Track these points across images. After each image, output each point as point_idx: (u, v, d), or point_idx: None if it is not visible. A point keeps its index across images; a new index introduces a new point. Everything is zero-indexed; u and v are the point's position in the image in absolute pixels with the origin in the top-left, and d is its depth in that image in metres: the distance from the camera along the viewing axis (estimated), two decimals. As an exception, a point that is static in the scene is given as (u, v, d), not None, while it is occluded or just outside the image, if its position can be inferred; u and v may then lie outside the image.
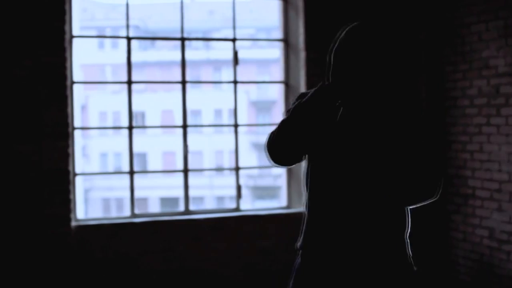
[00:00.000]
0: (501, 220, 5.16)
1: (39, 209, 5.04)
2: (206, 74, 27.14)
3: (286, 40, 5.82)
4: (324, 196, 2.29)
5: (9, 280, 4.98)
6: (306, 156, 2.37)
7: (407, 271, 2.32)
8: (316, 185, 2.31)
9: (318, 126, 2.22)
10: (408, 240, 2.35)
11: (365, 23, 2.25)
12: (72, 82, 5.26)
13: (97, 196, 25.70)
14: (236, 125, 5.74)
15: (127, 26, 5.51)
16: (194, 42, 29.38)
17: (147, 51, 28.19)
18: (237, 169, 5.72)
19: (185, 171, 5.61)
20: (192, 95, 26.68)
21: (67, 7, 5.16)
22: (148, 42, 28.22)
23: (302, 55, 5.62)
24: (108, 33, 27.59)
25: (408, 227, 2.33)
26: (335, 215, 2.26)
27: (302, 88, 5.61)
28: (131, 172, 5.48)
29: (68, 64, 5.18)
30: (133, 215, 5.44)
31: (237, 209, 5.67)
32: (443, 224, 5.77)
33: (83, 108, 25.40)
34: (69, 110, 5.17)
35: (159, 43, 27.45)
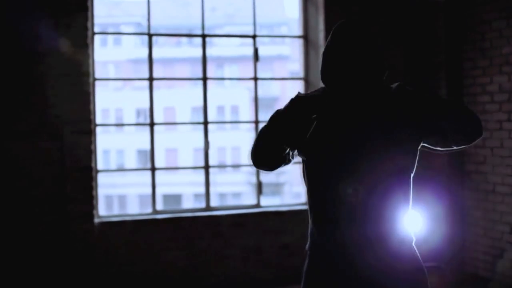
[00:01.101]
0: (523, 216, 5.18)
1: (63, 206, 5.05)
2: (209, 71, 27.08)
3: (306, 37, 5.83)
4: (323, 195, 2.29)
5: (34, 276, 5.00)
6: (294, 157, 2.43)
7: (414, 269, 2.31)
8: (314, 184, 2.32)
9: (294, 134, 2.31)
10: (413, 237, 2.35)
11: (344, 23, 2.35)
12: (95, 79, 5.27)
13: (99, 193, 25.67)
14: (256, 122, 5.75)
15: (148, 22, 5.51)
16: (194, 39, 29.36)
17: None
18: (257, 165, 5.73)
19: (207, 167, 5.62)
20: (195, 92, 26.71)
21: (89, 4, 5.17)
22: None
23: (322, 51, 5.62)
24: (110, 31, 27.54)
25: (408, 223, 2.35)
26: (337, 214, 2.26)
27: (322, 85, 5.61)
28: (153, 169, 5.49)
29: (90, 61, 5.19)
30: (155, 211, 5.46)
31: (257, 205, 5.69)
32: (463, 219, 5.79)
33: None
34: (91, 107, 5.18)
35: (161, 40, 27.43)
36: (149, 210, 5.54)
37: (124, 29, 26.97)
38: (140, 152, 26.47)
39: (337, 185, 2.25)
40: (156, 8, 28.34)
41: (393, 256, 2.25)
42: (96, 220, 5.20)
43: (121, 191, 25.13)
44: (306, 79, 5.85)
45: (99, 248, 5.15)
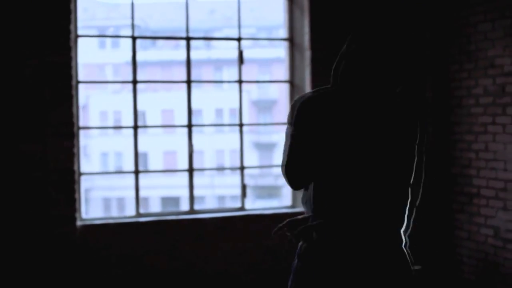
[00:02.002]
0: (506, 219, 5.16)
1: (45, 209, 5.04)
2: (207, 73, 27.14)
3: (291, 39, 5.81)
4: (328, 198, 2.31)
5: (15, 280, 4.98)
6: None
7: (406, 272, 2.38)
8: (320, 188, 2.32)
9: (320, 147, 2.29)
10: (408, 239, 2.43)
11: (374, 30, 2.39)
12: (77, 82, 5.26)
13: (98, 195, 25.69)
14: (241, 125, 5.73)
15: (132, 26, 5.50)
16: (195, 42, 29.38)
17: (148, 50, 28.19)
18: (242, 168, 5.72)
19: (190, 170, 5.61)
20: (194, 94, 26.74)
21: (72, 6, 5.16)
22: (149, 41, 28.25)
23: (308, 54, 5.62)
24: (109, 33, 27.58)
25: (407, 227, 2.44)
26: (339, 217, 2.29)
27: (307, 88, 5.61)
28: (136, 172, 5.47)
29: (73, 64, 5.17)
30: (138, 214, 5.44)
31: (242, 208, 5.67)
32: (448, 223, 5.77)
33: (84, 107, 25.39)
34: (74, 109, 5.17)
35: (160, 42, 27.47)
36: (137, 212, 5.51)
37: (122, 31, 26.99)
38: (139, 155, 26.47)
39: (346, 188, 2.28)
40: (155, 11, 28.39)
41: (388, 262, 2.32)
42: (79, 223, 5.18)
43: (119, 194, 25.17)
44: (292, 82, 5.83)
45: (81, 251, 5.13)
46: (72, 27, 5.15)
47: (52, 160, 5.05)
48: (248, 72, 27.32)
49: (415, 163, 2.41)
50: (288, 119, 2.36)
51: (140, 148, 26.18)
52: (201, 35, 25.69)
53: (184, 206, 25.28)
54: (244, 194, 5.69)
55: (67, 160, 5.11)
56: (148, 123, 26.83)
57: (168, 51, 26.59)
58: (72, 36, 5.16)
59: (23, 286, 5.01)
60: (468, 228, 5.57)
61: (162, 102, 25.49)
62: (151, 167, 26.34)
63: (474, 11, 5.44)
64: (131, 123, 22.64)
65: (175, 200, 25.55)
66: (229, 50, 27.31)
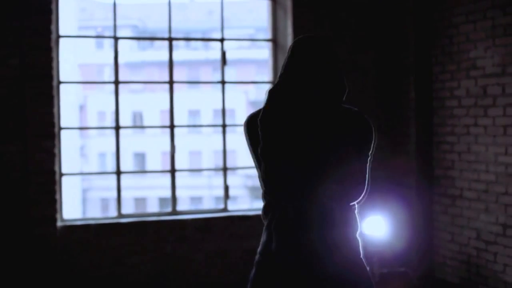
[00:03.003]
0: (488, 221, 5.14)
1: (25, 210, 5.03)
2: (205, 74, 27.15)
3: (275, 40, 5.80)
4: (279, 205, 2.32)
5: (-6, 280, 4.98)
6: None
7: (362, 277, 2.37)
8: (271, 194, 2.33)
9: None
10: (360, 239, 2.41)
11: (307, 38, 2.34)
12: (59, 82, 5.25)
13: (95, 196, 25.69)
14: (224, 126, 5.73)
15: (114, 26, 5.50)
16: (193, 42, 29.37)
17: (146, 51, 28.18)
18: (224, 169, 5.72)
19: (173, 171, 5.60)
20: (191, 95, 26.74)
21: (53, 7, 5.15)
22: (147, 42, 28.23)
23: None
24: (107, 33, 27.58)
25: (359, 228, 2.40)
26: (294, 222, 2.30)
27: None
28: (118, 172, 5.46)
29: (54, 64, 5.17)
30: (120, 215, 5.43)
31: (224, 209, 5.65)
32: (430, 225, 5.75)
33: (82, 108, 25.39)
34: (55, 110, 5.16)
35: (158, 43, 27.45)
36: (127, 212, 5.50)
37: (121, 32, 26.99)
38: (137, 155, 26.48)
39: (293, 193, 2.28)
40: (154, 11, 28.39)
41: (344, 264, 2.31)
42: (59, 224, 5.17)
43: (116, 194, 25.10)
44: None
45: (61, 252, 5.13)
46: (53, 27, 5.14)
47: (33, 161, 5.05)
48: (246, 73, 27.37)
49: (365, 170, 2.35)
50: None
51: (138, 149, 26.24)
52: (199, 36, 25.69)
53: (183, 206, 25.26)
54: (227, 196, 5.68)
55: (48, 160, 5.11)
56: (146, 123, 26.83)
57: (166, 52, 26.47)
58: (53, 36, 5.15)
59: (2, 287, 4.99)
60: (451, 230, 5.55)
61: (160, 103, 25.48)
62: (149, 167, 26.33)
63: (456, 12, 5.42)
64: (129, 123, 22.35)
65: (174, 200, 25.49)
66: (228, 51, 27.27)
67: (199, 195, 25.94)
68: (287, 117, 2.27)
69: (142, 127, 6.50)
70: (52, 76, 5.11)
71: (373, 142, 2.36)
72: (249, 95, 27.41)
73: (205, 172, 26.27)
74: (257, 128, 2.32)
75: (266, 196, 2.39)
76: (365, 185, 2.33)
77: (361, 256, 2.41)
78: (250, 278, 2.43)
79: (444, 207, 5.62)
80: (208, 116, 26.89)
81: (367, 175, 2.32)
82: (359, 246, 2.40)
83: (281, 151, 2.27)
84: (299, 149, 2.27)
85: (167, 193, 26.69)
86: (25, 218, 5.03)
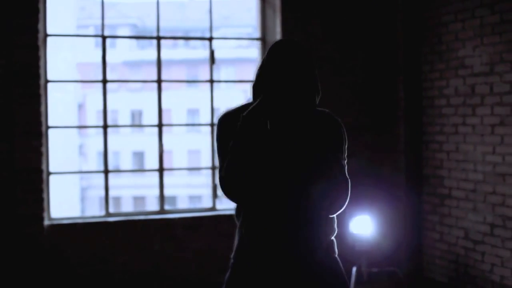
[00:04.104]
0: (476, 221, 5.13)
1: (12, 208, 5.02)
2: (204, 72, 27.13)
3: (264, 39, 5.79)
4: (256, 208, 2.31)
5: (-19, 279, 4.98)
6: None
7: (339, 274, 2.39)
8: (243, 195, 2.31)
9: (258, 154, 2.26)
10: (335, 240, 2.42)
11: (282, 42, 2.33)
12: (47, 81, 5.24)
13: (94, 194, 25.71)
14: (212, 125, 5.72)
15: (102, 25, 5.49)
16: (192, 41, 29.34)
17: (145, 49, 28.17)
18: (213, 168, 5.70)
19: (161, 170, 5.59)
20: (190, 94, 26.71)
21: (40, 6, 5.14)
22: (147, 41, 28.22)
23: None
24: (106, 32, 27.56)
25: (335, 232, 2.41)
26: (267, 227, 2.30)
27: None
28: (106, 171, 5.46)
29: (42, 63, 5.16)
30: (108, 214, 5.43)
31: (213, 208, 5.65)
32: (419, 224, 5.74)
33: (81, 106, 25.40)
34: (42, 108, 5.15)
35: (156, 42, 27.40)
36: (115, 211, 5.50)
37: (119, 31, 27.00)
38: (136, 154, 26.50)
39: (268, 195, 2.29)
40: (152, 10, 28.41)
41: (320, 266, 2.33)
42: (46, 223, 5.17)
43: (116, 193, 25.17)
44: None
45: (48, 251, 5.12)
46: (40, 26, 5.13)
47: (20, 160, 5.04)
48: (245, 71, 27.31)
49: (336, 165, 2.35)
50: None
51: (136, 148, 26.24)
52: (199, 34, 25.65)
53: (182, 204, 25.25)
54: (215, 194, 5.67)
55: (35, 159, 5.10)
56: (146, 122, 26.84)
57: (165, 51, 26.57)
58: (41, 35, 5.14)
59: (-11, 286, 5.00)
60: (440, 230, 5.54)
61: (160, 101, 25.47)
62: (148, 166, 26.35)
63: (446, 10, 5.41)
64: (128, 122, 22.36)
65: (172, 199, 25.54)
66: (227, 49, 27.28)
67: (198, 194, 25.94)
68: (265, 120, 2.26)
69: (133, 126, 6.50)
70: (39, 75, 5.10)
71: (344, 141, 2.37)
72: (248, 94, 27.41)
73: (204, 171, 26.27)
74: (232, 125, 2.30)
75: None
76: (344, 183, 2.30)
77: (336, 255, 2.41)
78: (225, 279, 2.43)
79: (433, 206, 5.61)
80: (207, 115, 26.91)
81: (345, 171, 2.32)
82: (334, 246, 2.40)
83: (256, 152, 2.26)
84: (274, 150, 2.28)
85: (167, 192, 26.71)
86: (13, 216, 5.02)
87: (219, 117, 2.37)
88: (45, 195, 5.17)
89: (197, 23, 26.91)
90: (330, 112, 2.39)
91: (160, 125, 5.60)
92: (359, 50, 5.75)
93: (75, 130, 20.19)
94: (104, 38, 5.45)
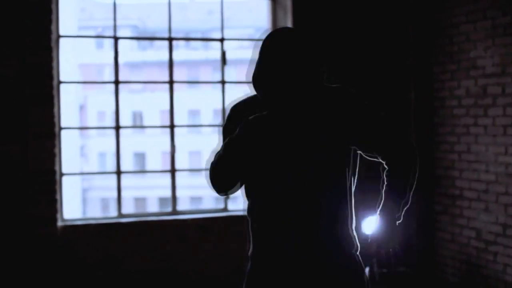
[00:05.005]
0: (488, 221, 5.14)
1: (25, 209, 5.03)
2: (205, 74, 27.16)
3: (275, 40, 5.80)
4: (268, 202, 2.28)
5: (-6, 280, 4.98)
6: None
7: (354, 272, 2.35)
8: (259, 191, 2.31)
9: (251, 155, 2.24)
10: (355, 234, 2.38)
11: (279, 31, 2.29)
12: (59, 82, 5.25)
13: (96, 195, 25.70)
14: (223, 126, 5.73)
15: (114, 27, 5.50)
16: (193, 42, 29.36)
17: (146, 51, 28.17)
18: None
19: (173, 171, 5.60)
20: (192, 95, 26.72)
21: (53, 7, 5.15)
22: (147, 42, 28.23)
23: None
24: (99, 33, 27.56)
25: (353, 221, 2.37)
26: (282, 221, 2.27)
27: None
28: (118, 172, 5.47)
29: (54, 64, 5.17)
30: (120, 215, 5.44)
31: (224, 209, 5.66)
32: (431, 224, 5.76)
33: (82, 107, 25.39)
34: (55, 110, 5.17)
35: (158, 43, 27.46)
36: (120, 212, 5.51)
37: (121, 32, 26.99)
38: (137, 155, 26.49)
39: (280, 192, 2.26)
40: (153, 11, 28.39)
41: (334, 264, 2.29)
42: (60, 224, 5.18)
43: (116, 194, 25.12)
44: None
45: (62, 252, 5.13)
46: (53, 27, 5.14)
47: (33, 161, 5.05)
48: (246, 72, 27.26)
49: (351, 158, 2.30)
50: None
51: (138, 149, 26.23)
52: (199, 35, 25.68)
53: (182, 206, 25.26)
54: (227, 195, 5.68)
55: (48, 160, 5.11)
56: (146, 123, 26.85)
57: (166, 52, 26.49)
58: (54, 36, 5.15)
59: (4, 286, 5.00)
60: (451, 230, 5.55)
61: (160, 103, 25.49)
62: (149, 167, 26.34)
63: (457, 12, 5.43)
64: (129, 123, 22.48)
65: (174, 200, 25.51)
66: (228, 50, 27.27)
67: (199, 195, 25.94)
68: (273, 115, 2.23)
69: (143, 127, 6.54)
70: (52, 76, 5.11)
71: (368, 111, 2.25)
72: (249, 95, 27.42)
73: (205, 172, 26.27)
74: (240, 116, 2.29)
75: (248, 193, 2.36)
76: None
77: (357, 252, 2.36)
78: (246, 273, 2.42)
79: (444, 207, 5.63)
80: (208, 116, 26.91)
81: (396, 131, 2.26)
82: (353, 243, 2.35)
83: (269, 148, 2.25)
84: (285, 146, 2.24)
85: (167, 193, 26.71)
86: (26, 218, 5.03)
87: (231, 106, 2.37)
88: (58, 196, 5.18)
89: (198, 24, 26.94)
90: (340, 86, 2.29)
91: (172, 126, 5.62)
92: (370, 51, 5.76)
93: (76, 131, 20.19)
94: (116, 39, 5.46)
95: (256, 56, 2.29)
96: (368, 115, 2.24)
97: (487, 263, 5.16)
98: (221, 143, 2.35)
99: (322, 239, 2.26)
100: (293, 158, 2.24)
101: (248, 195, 2.37)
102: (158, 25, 26.89)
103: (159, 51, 27.06)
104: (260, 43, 2.29)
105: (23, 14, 5.00)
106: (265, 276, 2.34)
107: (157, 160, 26.49)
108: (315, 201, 2.24)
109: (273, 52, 2.22)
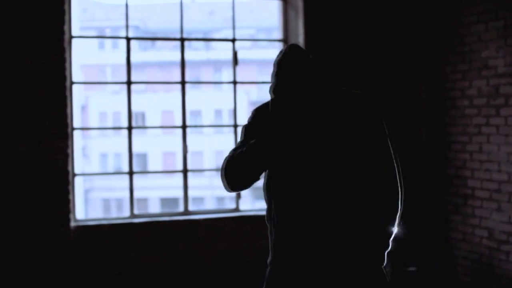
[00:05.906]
0: (500, 221, 5.16)
1: (38, 210, 5.04)
2: (207, 74, 27.16)
3: (286, 41, 5.81)
4: (291, 209, 2.28)
5: (8, 281, 4.98)
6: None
7: (379, 283, 2.30)
8: (281, 198, 2.30)
9: (273, 157, 2.26)
10: (385, 259, 2.32)
11: (291, 45, 2.40)
12: (72, 83, 5.26)
13: (97, 196, 25.69)
14: (235, 126, 5.74)
15: (127, 27, 5.50)
16: (194, 43, 29.38)
17: (147, 51, 28.18)
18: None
19: (185, 171, 5.61)
20: (192, 95, 26.73)
21: (66, 7, 5.16)
22: (148, 42, 28.24)
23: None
24: (108, 34, 27.58)
25: (388, 245, 2.33)
26: (304, 229, 2.26)
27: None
28: (131, 173, 5.48)
29: (67, 65, 5.18)
30: (133, 215, 5.45)
31: (236, 209, 5.67)
32: (442, 224, 5.77)
33: (83, 108, 25.39)
34: (68, 110, 5.17)
35: (159, 43, 27.46)
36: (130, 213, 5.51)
37: (121, 32, 27.01)
38: (139, 156, 26.50)
39: (304, 200, 2.25)
40: (154, 12, 28.39)
41: (359, 278, 2.26)
42: (73, 224, 5.18)
43: (119, 195, 25.19)
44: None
45: (75, 252, 5.13)
46: (66, 28, 5.15)
47: (46, 161, 5.05)
48: (247, 73, 27.37)
49: (388, 159, 2.32)
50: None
51: (139, 149, 26.24)
52: (200, 36, 25.70)
53: (182, 207, 25.23)
54: (238, 195, 5.69)
55: (61, 160, 5.12)
56: (148, 124, 26.85)
57: (167, 52, 26.62)
58: (66, 37, 5.16)
59: (17, 287, 5.00)
60: (463, 230, 5.57)
61: (162, 103, 25.51)
62: (151, 167, 26.34)
63: (468, 12, 5.44)
64: (132, 123, 22.42)
65: (174, 201, 25.55)
66: (228, 51, 27.29)
67: (200, 196, 25.95)
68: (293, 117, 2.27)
69: (154, 127, 6.53)
70: (65, 77, 5.12)
71: (380, 123, 2.31)
72: (250, 95, 27.45)
73: (206, 173, 26.29)
74: (263, 117, 2.34)
75: (269, 198, 2.36)
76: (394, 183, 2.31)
77: (384, 266, 2.31)
78: (265, 279, 2.42)
79: (456, 206, 5.64)
80: (209, 116, 26.92)
81: (394, 165, 2.31)
82: (382, 257, 2.29)
83: (292, 154, 2.26)
84: (308, 154, 2.25)
85: (168, 194, 26.75)
86: (40, 218, 5.04)
87: (257, 107, 2.46)
88: (71, 197, 5.18)
89: (199, 24, 26.96)
90: (365, 98, 2.33)
91: (184, 126, 5.62)
92: (381, 51, 5.78)
93: (78, 131, 20.19)
94: (128, 39, 5.46)
95: (274, 70, 2.39)
96: (381, 143, 2.30)
97: (499, 263, 5.18)
98: (239, 141, 2.39)
99: (349, 252, 2.24)
100: (321, 165, 2.24)
101: (270, 199, 2.35)
102: (159, 26, 26.92)
103: (160, 51, 27.10)
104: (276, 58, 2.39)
105: (36, 15, 5.01)
106: (286, 285, 2.32)
107: (158, 160, 26.51)
108: (343, 212, 2.23)
109: (288, 61, 2.33)
